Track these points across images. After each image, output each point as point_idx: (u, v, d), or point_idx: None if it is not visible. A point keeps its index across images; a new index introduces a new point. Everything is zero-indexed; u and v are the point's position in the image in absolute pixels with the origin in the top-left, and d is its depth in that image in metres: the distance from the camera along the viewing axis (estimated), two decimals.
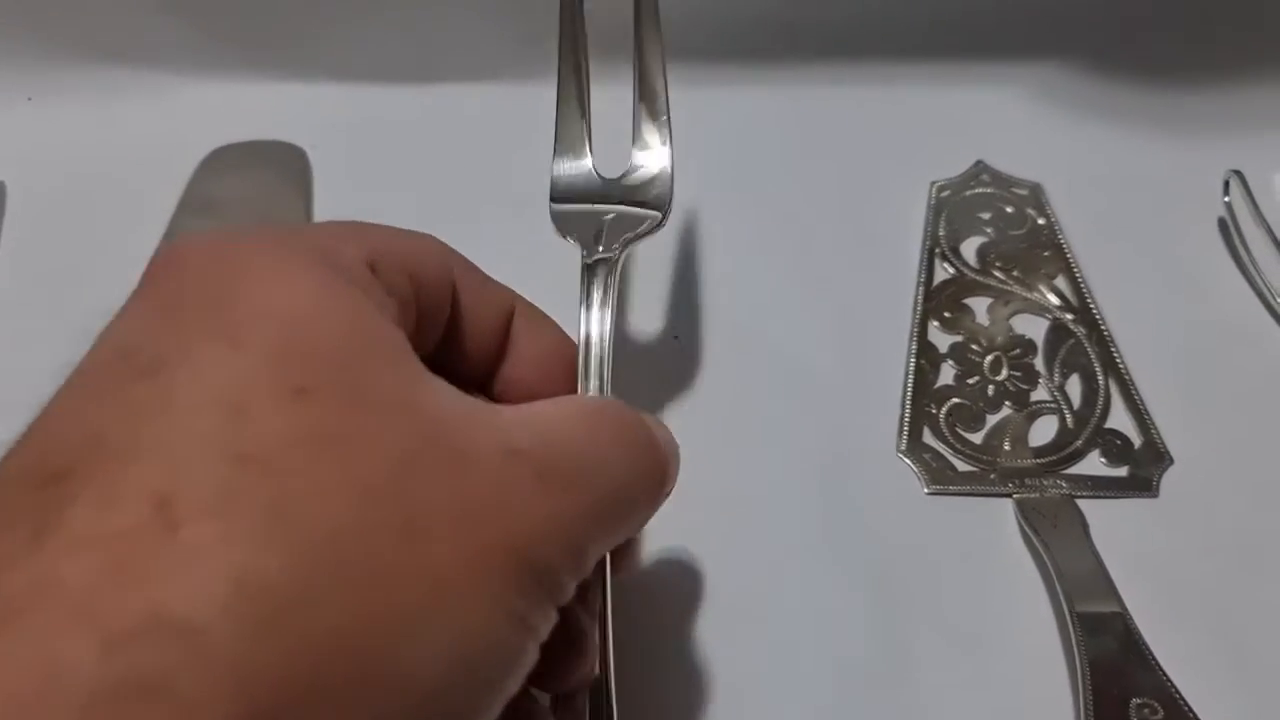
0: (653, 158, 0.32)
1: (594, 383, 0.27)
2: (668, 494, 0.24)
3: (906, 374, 0.36)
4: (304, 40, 0.45)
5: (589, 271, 0.29)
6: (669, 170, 0.32)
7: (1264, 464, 0.34)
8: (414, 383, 0.20)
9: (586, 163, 0.32)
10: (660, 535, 0.34)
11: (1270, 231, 0.38)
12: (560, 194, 0.32)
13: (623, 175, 0.32)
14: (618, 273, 0.30)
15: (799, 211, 0.41)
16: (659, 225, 0.31)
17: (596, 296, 0.29)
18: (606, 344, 0.28)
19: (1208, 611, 0.31)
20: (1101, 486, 0.34)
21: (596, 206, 0.31)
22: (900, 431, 0.35)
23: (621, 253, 0.30)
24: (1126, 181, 0.42)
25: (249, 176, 0.43)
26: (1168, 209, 0.41)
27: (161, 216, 0.41)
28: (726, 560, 0.33)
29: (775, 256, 0.39)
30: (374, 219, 0.41)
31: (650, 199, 0.31)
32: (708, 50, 0.45)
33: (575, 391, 0.27)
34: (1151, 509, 0.34)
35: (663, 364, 0.37)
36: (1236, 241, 0.39)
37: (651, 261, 0.39)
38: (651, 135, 0.33)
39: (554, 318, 0.29)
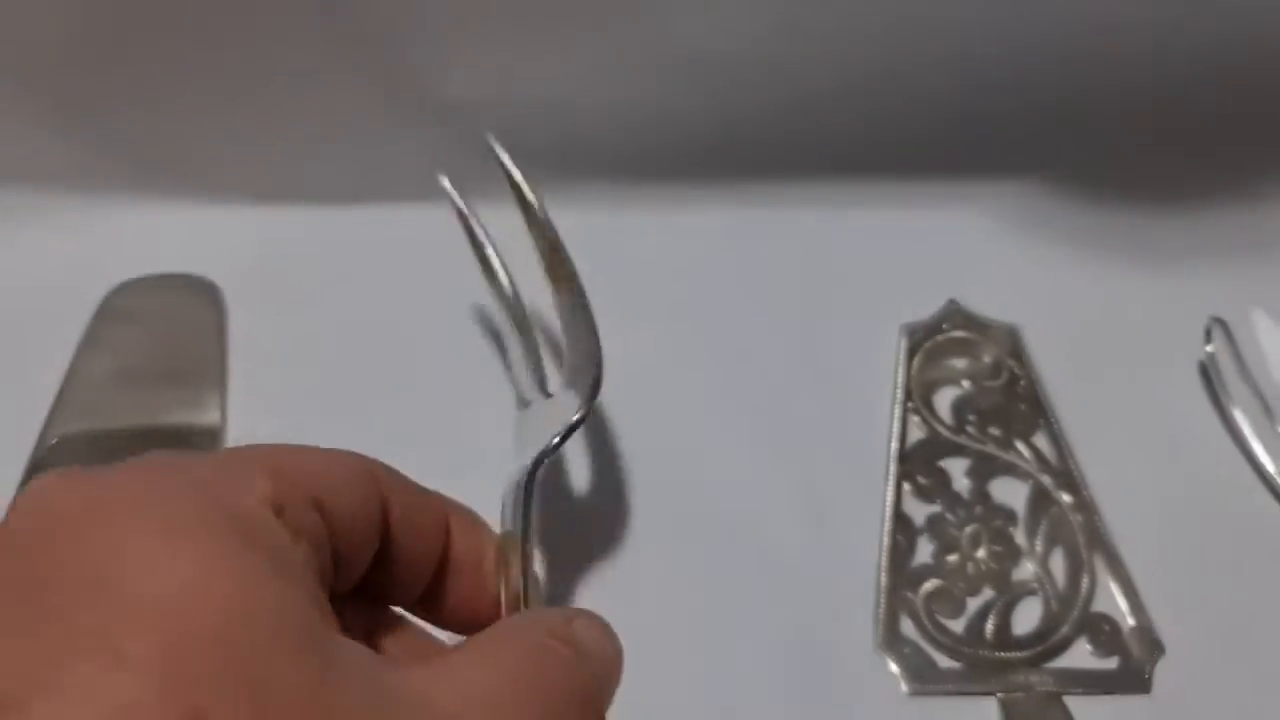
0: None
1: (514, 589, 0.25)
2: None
3: (880, 553, 0.33)
4: (212, 159, 0.41)
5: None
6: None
7: (1260, 647, 0.32)
8: (322, 676, 0.17)
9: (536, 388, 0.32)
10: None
11: (1257, 388, 0.36)
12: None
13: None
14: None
15: (755, 357, 0.38)
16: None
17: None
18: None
19: None
20: (1091, 682, 0.31)
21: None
22: (877, 622, 0.32)
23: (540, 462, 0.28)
24: (1105, 319, 0.39)
25: (156, 314, 0.40)
26: (1148, 350, 0.39)
27: (55, 360, 0.37)
28: None
29: (731, 413, 0.37)
30: (293, 354, 0.38)
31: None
32: (646, 169, 0.42)
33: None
34: (1146, 707, 0.31)
35: (615, 546, 0.34)
36: (1220, 392, 0.37)
37: (599, 425, 0.36)
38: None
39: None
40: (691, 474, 0.35)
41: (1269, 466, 0.35)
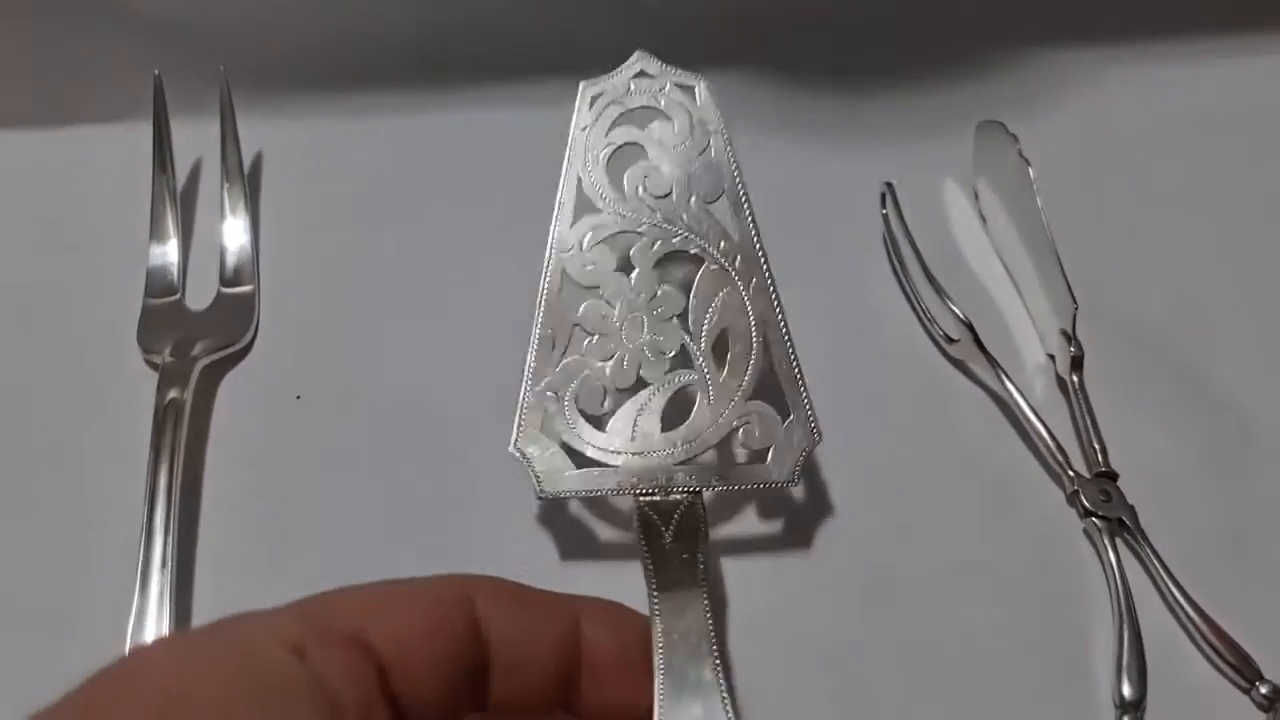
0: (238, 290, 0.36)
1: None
2: None
3: (530, 350, 0.31)
4: None
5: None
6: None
7: (903, 457, 0.33)
8: None
9: (175, 297, 0.36)
10: (275, 573, 0.31)
11: (914, 245, 0.35)
12: (146, 323, 0.35)
13: (210, 306, 0.36)
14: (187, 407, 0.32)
15: (458, 249, 0.38)
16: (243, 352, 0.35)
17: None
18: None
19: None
20: (736, 478, 0.30)
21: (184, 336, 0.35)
22: (517, 423, 0.30)
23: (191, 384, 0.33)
24: (799, 193, 0.38)
25: None
26: (838, 221, 0.38)
27: None
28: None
29: (411, 297, 0.37)
30: None
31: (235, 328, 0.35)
32: (353, 77, 0.41)
33: None
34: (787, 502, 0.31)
35: (284, 425, 0.34)
36: (892, 254, 0.37)
37: (270, 319, 0.36)
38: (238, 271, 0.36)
39: None
40: (369, 343, 0.36)
41: (931, 324, 0.36)
